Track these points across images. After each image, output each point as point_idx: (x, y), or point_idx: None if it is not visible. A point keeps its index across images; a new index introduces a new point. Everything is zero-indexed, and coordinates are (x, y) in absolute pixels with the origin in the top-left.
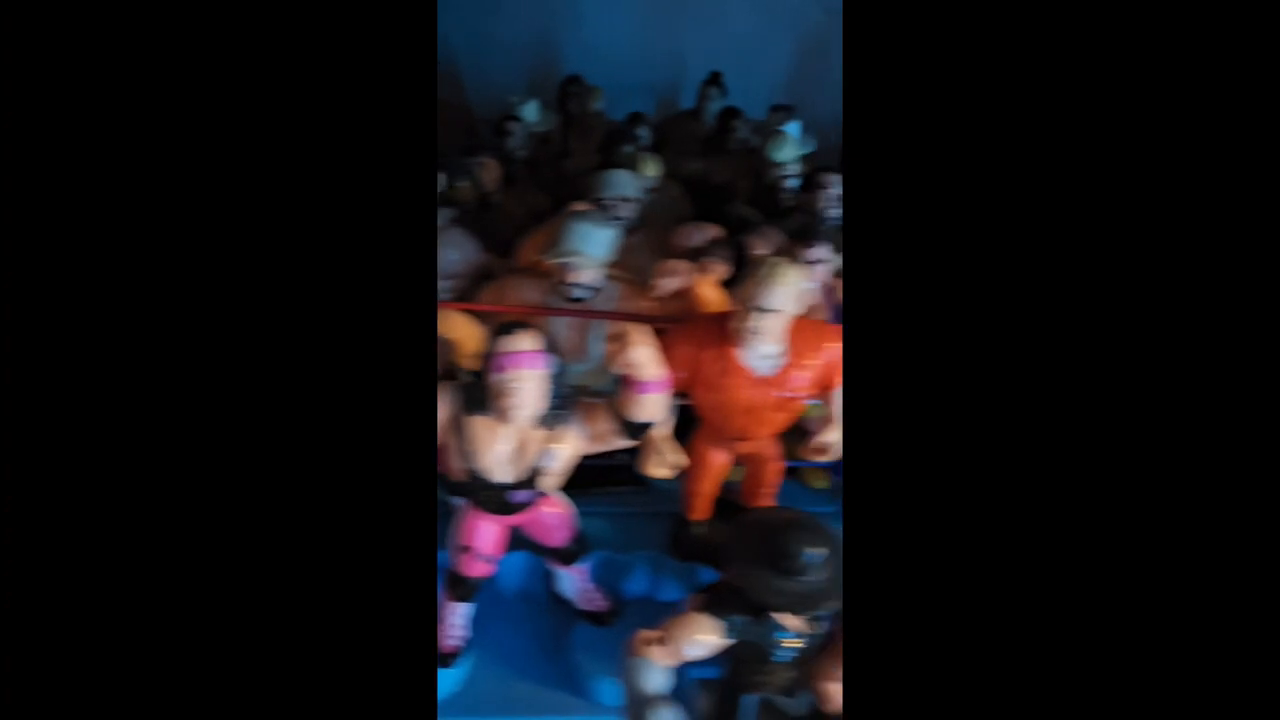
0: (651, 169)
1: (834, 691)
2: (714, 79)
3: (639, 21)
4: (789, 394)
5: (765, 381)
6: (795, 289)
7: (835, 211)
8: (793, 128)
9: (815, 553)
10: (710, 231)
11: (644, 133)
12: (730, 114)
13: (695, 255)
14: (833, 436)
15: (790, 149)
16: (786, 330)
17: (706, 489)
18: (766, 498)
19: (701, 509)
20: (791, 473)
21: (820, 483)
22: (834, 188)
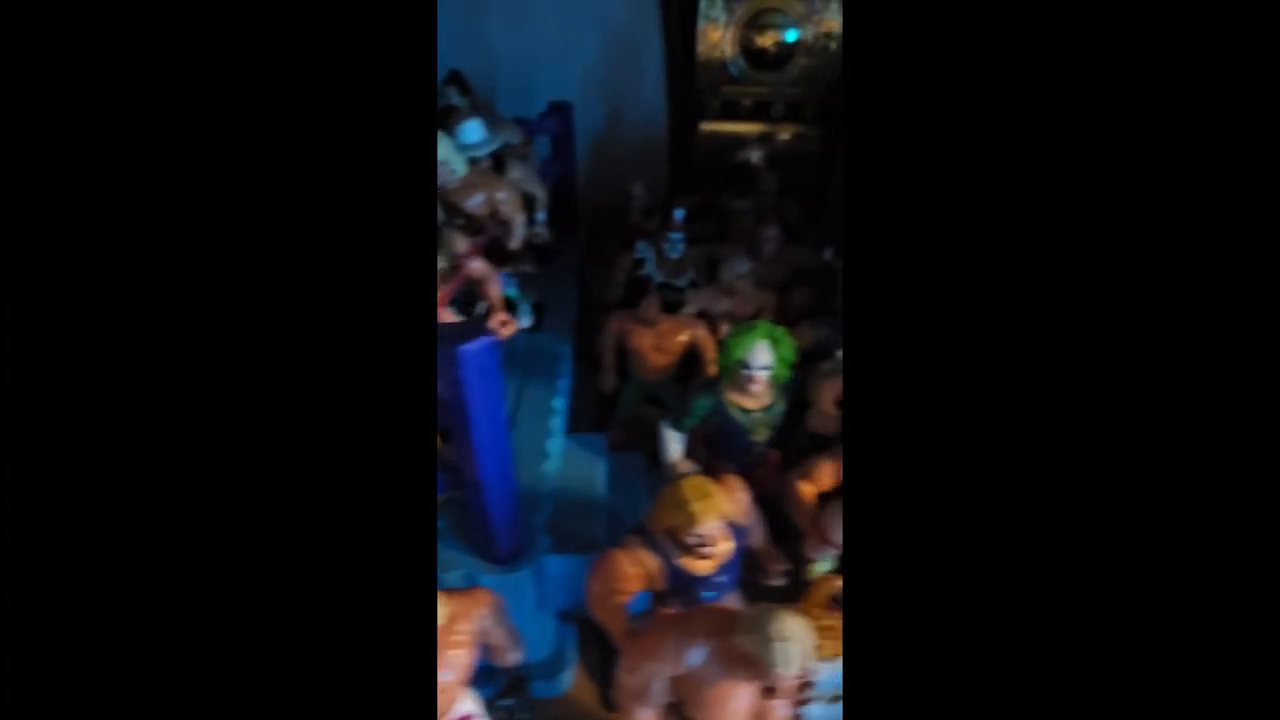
0: None
1: None
2: (451, 77)
3: (447, 16)
4: None
5: None
6: None
7: None
8: (469, 127)
9: None
10: None
11: None
12: (446, 112)
13: None
14: None
15: (441, 147)
16: None
17: None
18: None
19: None
20: None
21: None
22: None
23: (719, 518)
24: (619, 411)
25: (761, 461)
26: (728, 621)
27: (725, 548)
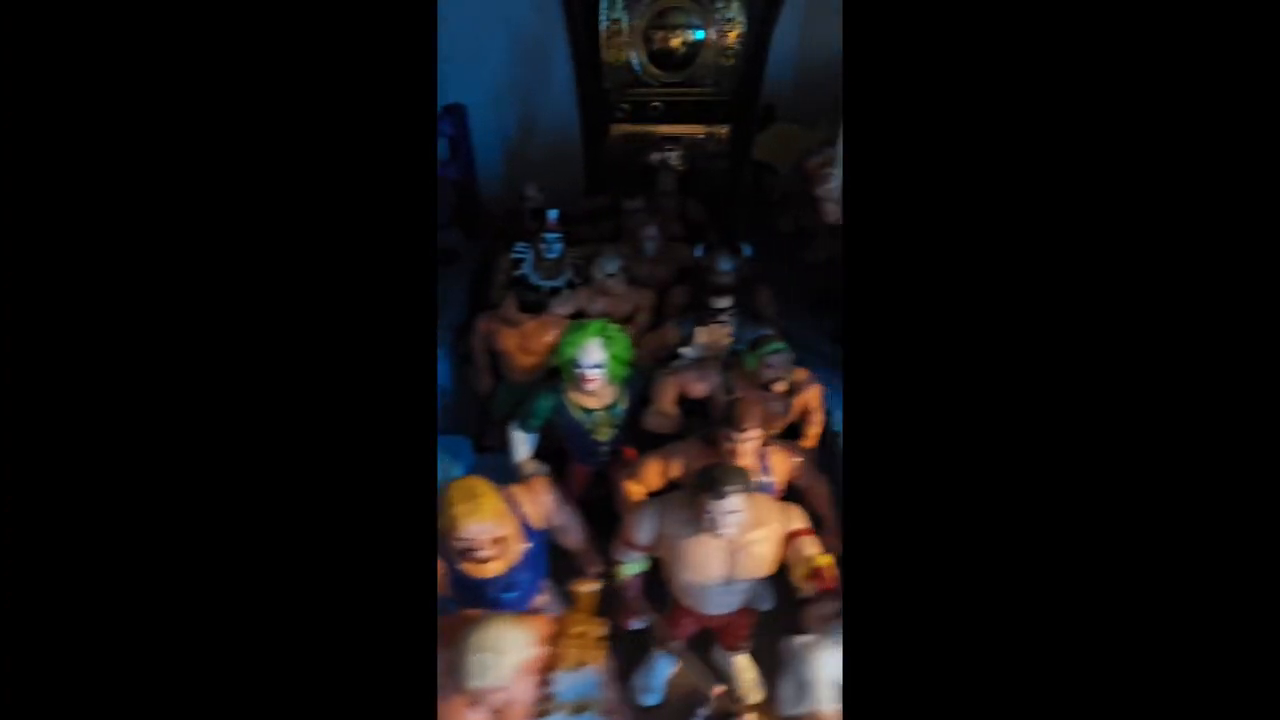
0: None
1: None
2: None
3: None
4: None
5: None
6: None
7: None
8: None
9: None
10: None
11: None
12: None
13: None
14: None
15: None
16: None
17: None
18: None
19: None
20: None
21: None
22: None
23: (485, 520)
24: (494, 413)
25: (615, 460)
26: (459, 631)
27: (513, 550)
